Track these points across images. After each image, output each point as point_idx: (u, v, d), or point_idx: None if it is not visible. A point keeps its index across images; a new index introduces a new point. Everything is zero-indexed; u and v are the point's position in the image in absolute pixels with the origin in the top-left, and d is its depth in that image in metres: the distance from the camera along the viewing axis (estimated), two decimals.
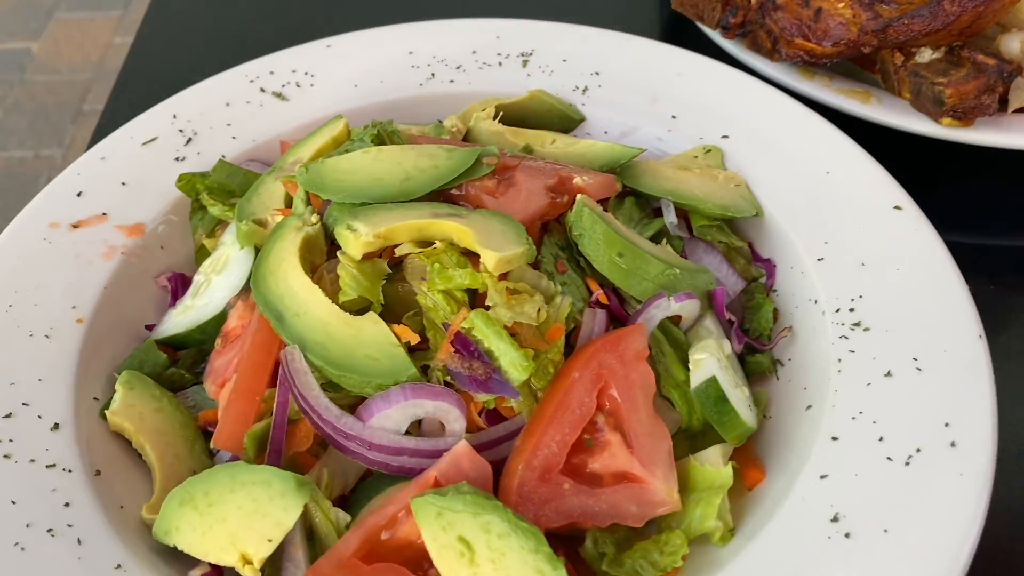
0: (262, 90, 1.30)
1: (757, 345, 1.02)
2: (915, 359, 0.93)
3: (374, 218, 0.92)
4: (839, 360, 0.95)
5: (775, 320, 1.05)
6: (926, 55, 1.29)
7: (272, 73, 1.32)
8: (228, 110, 1.27)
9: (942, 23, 1.23)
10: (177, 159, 1.21)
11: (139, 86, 1.60)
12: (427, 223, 0.91)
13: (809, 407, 0.94)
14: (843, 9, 1.30)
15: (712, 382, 0.89)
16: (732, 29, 1.39)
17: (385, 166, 0.98)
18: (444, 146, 1.00)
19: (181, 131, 1.24)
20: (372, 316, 0.89)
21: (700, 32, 1.48)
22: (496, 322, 0.85)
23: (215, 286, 1.05)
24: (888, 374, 0.92)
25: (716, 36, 1.43)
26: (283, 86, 1.31)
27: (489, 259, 0.87)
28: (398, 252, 0.91)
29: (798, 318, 1.03)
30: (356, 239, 0.90)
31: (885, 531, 0.81)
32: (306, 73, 1.33)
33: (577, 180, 1.01)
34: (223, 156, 1.19)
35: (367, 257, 0.92)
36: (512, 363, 0.84)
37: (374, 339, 0.87)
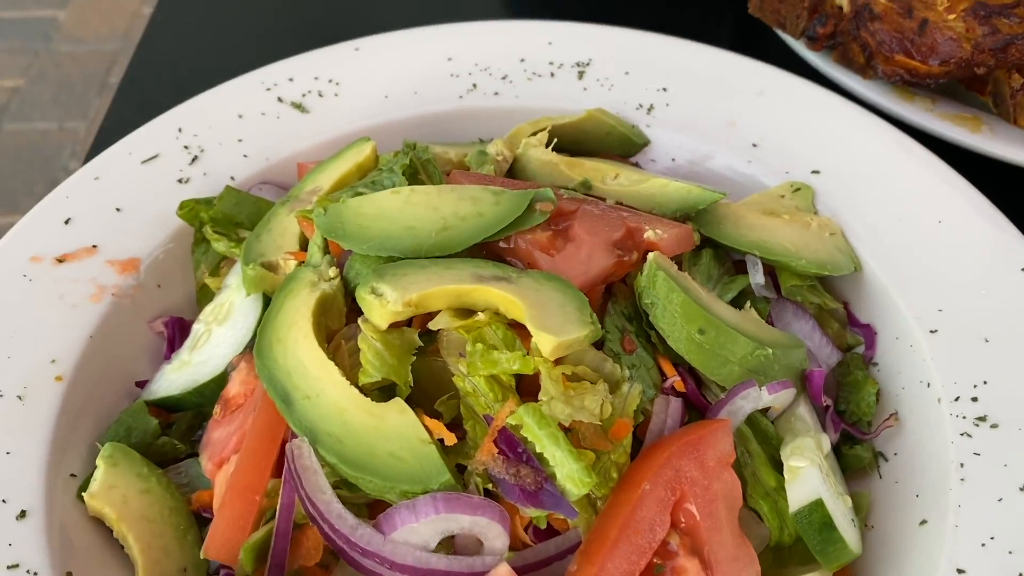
0: (279, 100, 1.14)
1: (856, 434, 0.86)
2: None
3: (404, 279, 0.76)
4: (961, 465, 0.78)
5: (877, 402, 0.88)
6: None
7: (291, 80, 1.16)
8: (240, 123, 1.11)
9: None
10: (180, 181, 1.05)
11: (151, 76, 1.44)
12: (468, 289, 0.75)
13: (924, 522, 0.77)
14: (954, 22, 1.12)
15: (818, 506, 0.72)
16: (820, 40, 1.21)
17: (419, 211, 0.82)
18: (490, 188, 0.84)
19: (186, 147, 1.08)
20: (398, 403, 0.73)
21: (779, 42, 1.30)
22: (550, 422, 0.69)
23: (216, 339, 0.90)
24: None
25: (799, 47, 1.25)
26: (303, 95, 1.15)
27: (545, 344, 0.71)
28: (432, 326, 0.75)
29: (906, 403, 0.86)
30: (382, 306, 0.74)
31: None
32: (330, 80, 1.16)
33: (649, 233, 0.84)
34: (232, 178, 1.03)
35: (395, 325, 0.76)
36: (570, 476, 0.68)
37: (400, 433, 0.71)
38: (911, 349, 0.88)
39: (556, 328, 0.71)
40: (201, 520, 0.83)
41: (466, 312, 0.76)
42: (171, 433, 0.89)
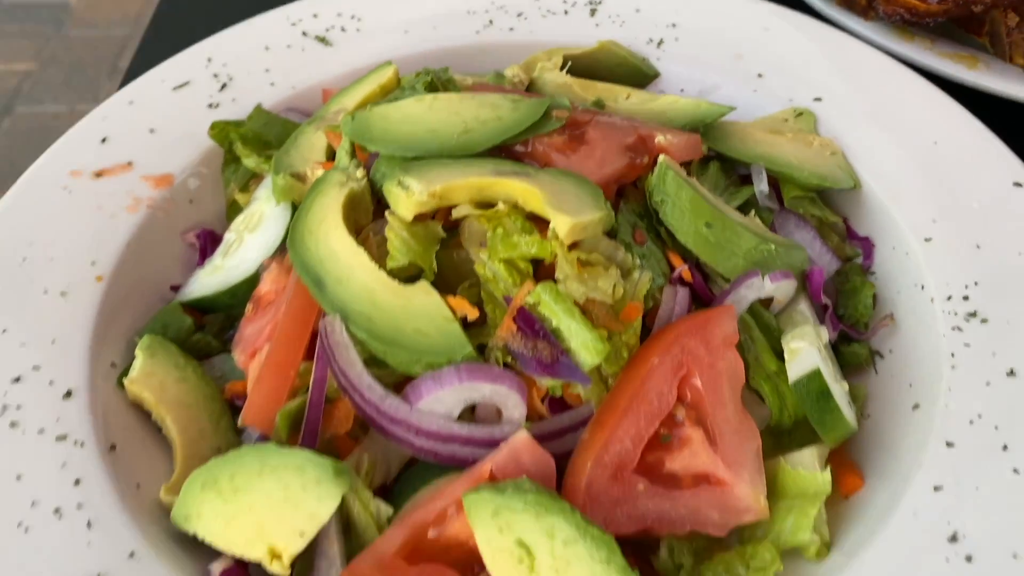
0: (304, 34, 1.19)
1: (853, 334, 0.90)
2: None
3: (428, 174, 0.81)
4: (952, 355, 0.83)
5: (874, 306, 0.92)
6: None
7: (316, 16, 1.21)
8: (267, 54, 1.17)
9: None
10: (210, 106, 1.10)
11: (174, 29, 1.49)
12: (489, 181, 0.80)
13: (916, 406, 0.82)
14: None
15: (815, 375, 0.77)
16: None
17: (441, 116, 0.87)
18: (508, 95, 0.89)
19: (215, 76, 1.14)
20: (424, 285, 0.78)
21: None
22: (566, 298, 0.74)
23: (247, 245, 0.94)
24: (1011, 373, 0.80)
25: None
26: (327, 30, 1.20)
27: (561, 225, 0.76)
28: (455, 214, 0.80)
29: (901, 305, 0.91)
30: (408, 197, 0.79)
31: (1014, 556, 0.69)
32: (352, 16, 1.21)
33: (659, 139, 0.89)
34: (260, 103, 1.08)
35: (419, 219, 0.81)
36: (584, 345, 0.72)
37: (426, 311, 0.76)
38: (907, 256, 0.93)
39: (572, 211, 0.76)
40: (234, 409, 0.88)
41: (486, 206, 0.81)
42: (204, 332, 0.94)
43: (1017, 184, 0.93)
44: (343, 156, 0.89)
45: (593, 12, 1.21)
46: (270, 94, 1.12)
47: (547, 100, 0.88)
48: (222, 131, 1.05)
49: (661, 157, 0.86)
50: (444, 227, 0.82)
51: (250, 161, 1.01)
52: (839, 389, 0.80)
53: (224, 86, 1.13)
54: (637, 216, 0.85)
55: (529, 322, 0.75)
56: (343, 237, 0.81)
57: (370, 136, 0.86)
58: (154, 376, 0.87)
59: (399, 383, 0.78)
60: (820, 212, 0.96)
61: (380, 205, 0.86)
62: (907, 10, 1.18)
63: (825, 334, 0.84)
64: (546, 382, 0.75)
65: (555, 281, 0.76)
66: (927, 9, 1.16)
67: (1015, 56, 1.16)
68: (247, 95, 1.12)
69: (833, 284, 0.94)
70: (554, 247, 0.77)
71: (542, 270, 0.79)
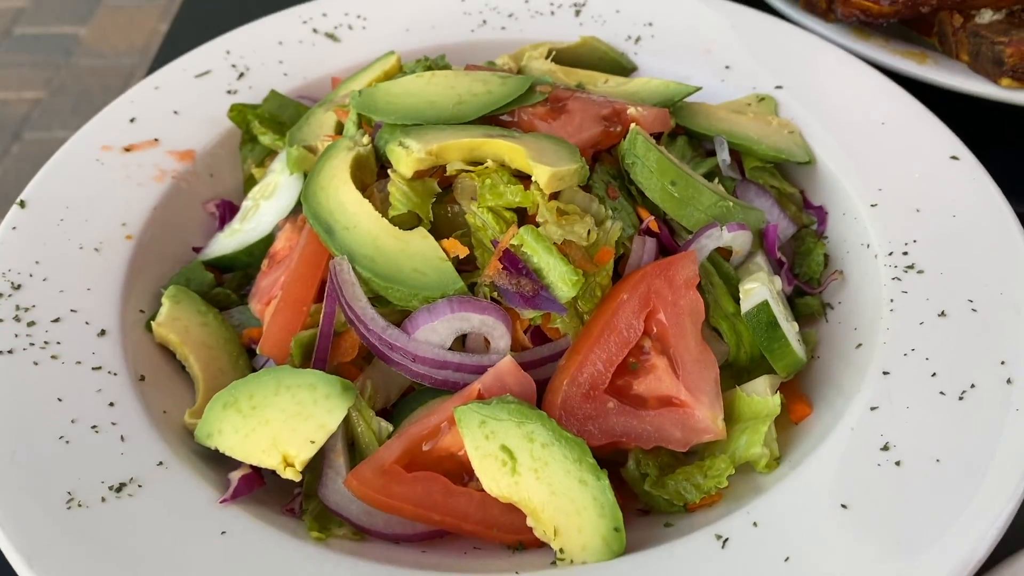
0: (315, 31, 1.31)
1: (807, 288, 1.01)
2: (970, 300, 0.91)
3: (426, 136, 0.92)
4: (891, 300, 0.93)
5: (826, 265, 1.03)
6: (986, 16, 1.27)
7: (325, 15, 1.33)
8: (280, 48, 1.28)
9: None
10: (229, 92, 1.22)
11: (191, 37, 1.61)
12: (480, 142, 0.91)
13: (859, 345, 0.92)
14: None
15: (764, 307, 0.87)
16: None
17: (439, 90, 0.98)
18: (498, 73, 1.00)
19: (234, 66, 1.25)
20: (421, 231, 0.88)
21: None
22: (545, 238, 0.84)
23: (263, 211, 1.05)
24: (942, 314, 0.91)
25: None
26: (335, 28, 1.31)
27: (541, 174, 0.87)
28: (449, 171, 0.91)
29: (849, 263, 1.02)
30: (408, 155, 0.90)
31: (937, 460, 0.79)
32: (358, 16, 1.33)
33: (631, 110, 1.00)
34: (274, 89, 1.20)
35: (418, 176, 0.91)
36: (561, 277, 0.83)
37: (422, 253, 0.87)
38: (855, 220, 1.03)
39: (551, 163, 0.87)
40: (250, 352, 0.98)
41: (478, 165, 0.91)
42: (224, 287, 1.04)
43: (954, 157, 1.04)
44: (351, 126, 1.00)
45: (577, 12, 1.33)
46: (284, 83, 1.24)
47: (532, 77, 0.99)
48: (240, 113, 1.16)
49: (633, 125, 0.96)
50: (439, 184, 0.92)
51: (266, 138, 1.12)
52: (789, 326, 0.90)
53: (242, 75, 1.24)
54: (611, 176, 0.96)
55: (513, 261, 0.85)
56: (351, 191, 0.91)
57: (375, 108, 0.97)
58: (179, 320, 0.97)
59: (399, 321, 0.88)
60: (779, 183, 1.07)
61: (383, 169, 0.97)
62: (862, 11, 1.29)
63: (778, 282, 0.95)
64: (528, 314, 0.85)
65: (536, 225, 0.86)
66: (879, 10, 1.27)
67: (960, 53, 1.27)
68: (262, 83, 1.23)
69: (790, 246, 1.05)
70: (535, 196, 0.87)
71: (526, 220, 0.90)
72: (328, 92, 1.21)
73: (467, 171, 0.90)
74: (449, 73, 1.00)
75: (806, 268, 1.02)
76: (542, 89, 0.98)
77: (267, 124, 1.14)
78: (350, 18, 1.33)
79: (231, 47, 1.28)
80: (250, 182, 1.14)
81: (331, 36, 1.30)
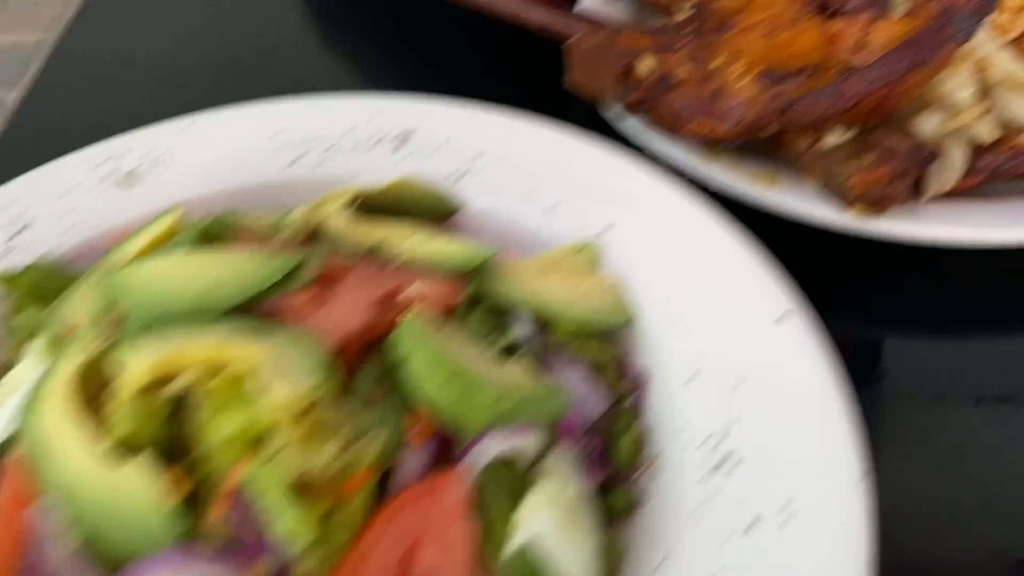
0: (107, 175, 1.19)
1: (617, 479, 0.89)
2: (788, 502, 0.80)
3: (166, 336, 0.80)
4: (702, 503, 0.82)
5: (640, 449, 0.92)
6: (834, 138, 1.17)
7: (122, 156, 1.21)
8: (68, 198, 1.16)
9: (845, 105, 1.12)
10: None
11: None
12: (218, 348, 0.79)
13: (665, 560, 0.81)
14: (745, 86, 1.20)
15: (522, 555, 0.75)
16: (631, 107, 1.28)
17: (188, 274, 0.86)
18: (259, 253, 0.89)
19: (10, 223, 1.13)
20: (142, 462, 0.76)
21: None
22: (277, 474, 0.72)
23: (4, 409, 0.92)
24: (757, 519, 0.80)
25: (613, 116, 1.32)
26: (132, 169, 1.20)
27: (280, 393, 0.75)
28: (176, 385, 0.78)
29: (666, 445, 0.91)
30: (130, 367, 0.78)
31: None
32: (161, 154, 1.22)
33: (415, 287, 0.89)
34: (35, 262, 1.07)
35: (149, 386, 0.79)
36: (290, 526, 0.71)
37: (138, 493, 0.74)
38: (673, 394, 0.92)
39: (296, 374, 0.75)
40: None
41: (215, 370, 0.79)
42: None
43: (776, 322, 0.94)
44: (92, 315, 0.88)
45: (404, 142, 1.22)
46: (68, 238, 1.12)
47: (296, 257, 0.87)
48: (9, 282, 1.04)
49: (410, 310, 0.85)
50: (175, 396, 0.80)
51: (22, 318, 0.99)
52: (574, 557, 0.78)
53: (21, 230, 1.12)
54: (382, 373, 0.84)
55: (240, 504, 0.73)
56: (67, 413, 0.79)
57: (114, 296, 0.85)
58: None
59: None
60: (592, 349, 0.96)
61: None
62: (704, 135, 1.20)
63: (575, 488, 0.83)
64: (258, 567, 0.73)
65: (273, 454, 0.74)
66: (719, 137, 1.18)
67: (809, 176, 1.18)
68: (41, 242, 1.11)
69: (602, 424, 0.94)
70: (275, 415, 0.75)
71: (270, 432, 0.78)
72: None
73: (198, 386, 0.78)
74: (203, 254, 0.89)
75: (618, 452, 0.91)
76: (306, 272, 0.87)
77: (28, 299, 1.01)
78: (150, 157, 1.22)
79: (16, 196, 1.16)
80: (7, 367, 1.01)
81: (126, 180, 1.18)
